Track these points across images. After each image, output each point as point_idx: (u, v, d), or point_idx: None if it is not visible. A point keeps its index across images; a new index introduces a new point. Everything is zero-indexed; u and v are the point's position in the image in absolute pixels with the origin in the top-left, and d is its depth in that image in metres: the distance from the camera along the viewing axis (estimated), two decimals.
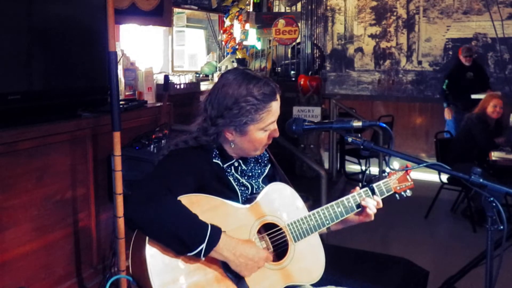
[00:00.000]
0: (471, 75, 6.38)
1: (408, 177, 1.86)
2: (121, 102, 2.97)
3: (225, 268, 1.51)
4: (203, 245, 1.41)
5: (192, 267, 1.47)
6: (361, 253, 2.23)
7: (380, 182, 1.82)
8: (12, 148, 2.43)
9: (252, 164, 1.76)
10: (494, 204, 1.48)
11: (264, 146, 1.70)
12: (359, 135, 1.69)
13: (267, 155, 1.84)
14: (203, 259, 1.45)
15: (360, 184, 1.83)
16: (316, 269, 1.69)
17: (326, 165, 5.85)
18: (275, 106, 1.64)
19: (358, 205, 1.77)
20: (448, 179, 4.73)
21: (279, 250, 1.66)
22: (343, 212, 1.75)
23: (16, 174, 2.48)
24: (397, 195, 1.85)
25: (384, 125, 1.71)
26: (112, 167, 2.57)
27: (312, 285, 1.71)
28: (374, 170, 6.12)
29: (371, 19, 7.76)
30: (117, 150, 2.54)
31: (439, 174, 4.71)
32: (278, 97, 1.65)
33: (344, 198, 1.76)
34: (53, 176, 2.70)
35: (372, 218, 1.78)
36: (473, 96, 6.25)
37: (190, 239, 1.41)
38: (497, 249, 1.56)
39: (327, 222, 1.71)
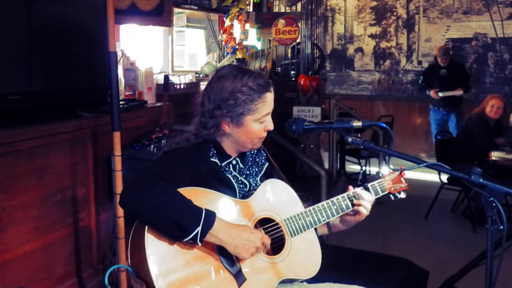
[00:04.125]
0: (444, 72, 6.44)
1: (402, 179, 1.87)
2: (121, 102, 2.97)
3: (223, 258, 1.52)
4: (199, 228, 1.42)
5: (191, 258, 1.48)
6: (361, 253, 2.23)
7: (375, 182, 1.84)
8: (12, 148, 2.43)
9: (250, 163, 1.78)
10: (494, 204, 1.48)
11: (259, 140, 1.71)
12: (359, 135, 1.69)
13: (265, 155, 1.86)
14: (200, 244, 1.45)
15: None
16: (313, 264, 1.70)
17: (326, 165, 5.85)
18: (270, 97, 1.67)
19: (353, 204, 1.78)
20: (448, 179, 4.73)
21: (276, 245, 1.68)
22: (338, 209, 1.76)
23: (16, 174, 2.48)
24: (391, 196, 1.87)
25: (384, 125, 1.71)
26: (112, 167, 2.57)
27: (310, 281, 1.72)
28: (374, 170, 6.11)
29: (371, 19, 7.75)
30: (117, 150, 2.54)
31: (439, 174, 4.70)
32: (272, 89, 1.68)
33: (339, 196, 1.78)
34: (53, 176, 2.70)
35: (364, 214, 1.78)
36: (440, 94, 6.32)
37: (186, 222, 1.42)
38: (497, 249, 1.56)
39: (323, 218, 1.73)
